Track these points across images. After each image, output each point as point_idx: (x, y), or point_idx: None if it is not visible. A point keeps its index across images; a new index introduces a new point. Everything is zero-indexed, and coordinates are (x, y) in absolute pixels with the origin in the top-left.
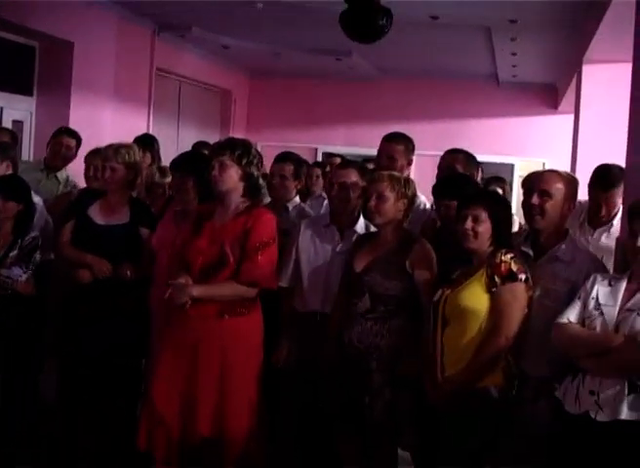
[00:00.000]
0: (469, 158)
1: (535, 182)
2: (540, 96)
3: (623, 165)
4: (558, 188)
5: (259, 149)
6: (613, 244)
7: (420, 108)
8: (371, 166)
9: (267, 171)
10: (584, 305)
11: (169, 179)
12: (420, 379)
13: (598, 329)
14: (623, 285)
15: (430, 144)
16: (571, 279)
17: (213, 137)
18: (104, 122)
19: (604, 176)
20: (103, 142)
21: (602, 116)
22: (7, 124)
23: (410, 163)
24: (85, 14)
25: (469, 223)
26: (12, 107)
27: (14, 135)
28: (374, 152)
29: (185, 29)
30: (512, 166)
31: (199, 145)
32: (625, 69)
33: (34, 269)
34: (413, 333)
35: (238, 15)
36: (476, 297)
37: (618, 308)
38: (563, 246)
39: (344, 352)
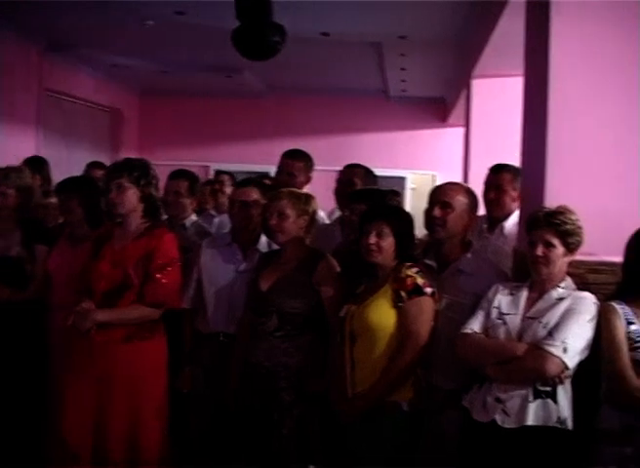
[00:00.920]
0: (368, 172)
1: (437, 195)
2: (430, 109)
3: None
4: (459, 200)
5: None
6: (508, 246)
7: (311, 124)
8: (267, 182)
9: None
10: (487, 315)
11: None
12: (329, 396)
13: (502, 337)
14: (525, 294)
15: (322, 160)
16: (475, 291)
17: (104, 158)
18: None
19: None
20: None
21: (492, 129)
22: None
23: (309, 180)
24: None
25: (373, 238)
26: None
27: None
28: (266, 169)
29: (74, 48)
30: (404, 179)
31: (93, 165)
32: (514, 83)
33: None
34: (321, 351)
35: (128, 33)
36: (383, 313)
37: (520, 317)
38: (466, 257)
39: (252, 371)
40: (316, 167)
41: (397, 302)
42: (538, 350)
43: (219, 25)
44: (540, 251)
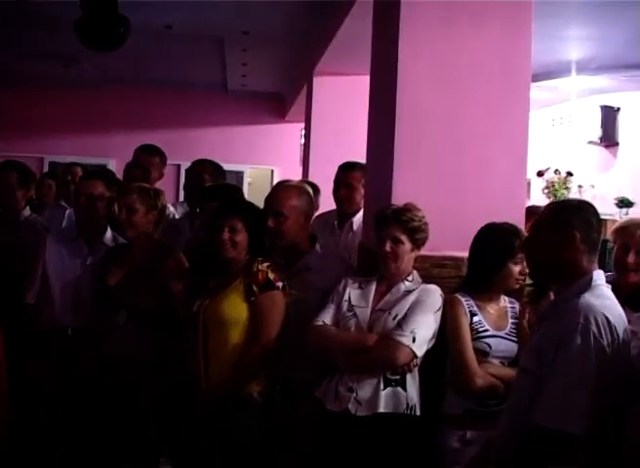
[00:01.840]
0: (216, 167)
1: (270, 204)
2: (268, 105)
3: None
4: (292, 206)
5: None
6: (356, 242)
7: (151, 117)
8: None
9: None
10: (338, 307)
11: None
12: (183, 390)
13: (353, 329)
14: (373, 287)
15: None
16: (323, 286)
17: None
18: None
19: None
20: None
21: (333, 125)
22: None
23: (162, 176)
24: None
25: (226, 234)
26: None
27: None
28: (103, 161)
29: None
30: (242, 173)
31: None
32: (356, 81)
33: None
34: (171, 346)
35: None
36: (235, 307)
37: (370, 309)
38: (314, 253)
39: (103, 366)
40: None
41: (249, 296)
42: (388, 340)
43: (56, 14)
44: (388, 247)
